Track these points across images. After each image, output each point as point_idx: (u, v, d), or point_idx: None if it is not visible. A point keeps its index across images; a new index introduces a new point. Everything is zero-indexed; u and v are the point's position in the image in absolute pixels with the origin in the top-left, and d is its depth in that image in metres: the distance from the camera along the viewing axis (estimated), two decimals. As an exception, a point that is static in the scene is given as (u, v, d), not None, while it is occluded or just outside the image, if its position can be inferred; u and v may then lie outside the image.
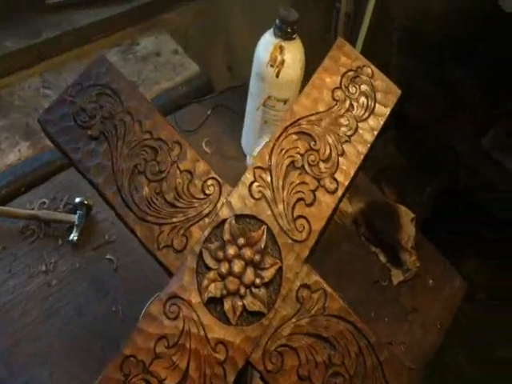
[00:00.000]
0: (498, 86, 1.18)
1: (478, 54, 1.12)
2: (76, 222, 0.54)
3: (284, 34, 0.53)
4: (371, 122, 0.36)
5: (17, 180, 0.58)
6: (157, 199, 0.31)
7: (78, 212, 0.55)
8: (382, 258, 0.69)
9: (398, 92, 0.37)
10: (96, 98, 0.32)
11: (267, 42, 0.54)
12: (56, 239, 0.55)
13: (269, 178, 0.33)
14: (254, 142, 0.64)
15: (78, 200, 0.56)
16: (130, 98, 0.33)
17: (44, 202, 0.56)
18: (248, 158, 0.60)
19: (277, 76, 0.54)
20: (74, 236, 0.53)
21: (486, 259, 1.32)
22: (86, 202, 0.55)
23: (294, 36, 0.53)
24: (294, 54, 0.54)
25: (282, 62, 0.54)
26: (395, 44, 1.06)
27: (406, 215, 0.70)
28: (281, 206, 0.32)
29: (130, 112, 0.32)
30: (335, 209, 0.34)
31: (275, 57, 0.53)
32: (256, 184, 0.32)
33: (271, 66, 0.54)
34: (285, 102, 0.59)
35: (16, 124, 0.62)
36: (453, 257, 0.78)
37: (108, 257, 0.55)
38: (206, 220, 0.31)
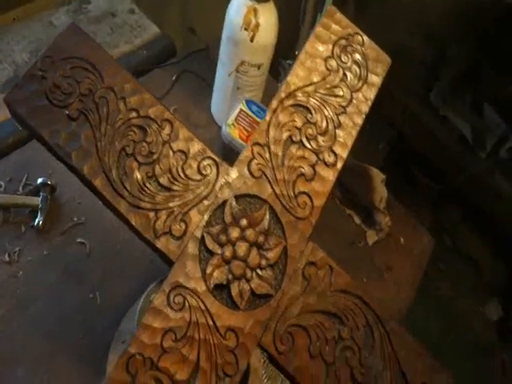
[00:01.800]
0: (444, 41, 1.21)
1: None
2: (39, 205, 0.47)
3: (257, -4, 0.49)
4: (365, 91, 0.34)
5: None
6: (150, 184, 0.28)
7: (40, 194, 0.49)
8: (357, 220, 0.70)
9: (389, 61, 0.36)
10: (71, 72, 0.28)
11: (240, 5, 0.50)
12: (18, 226, 0.49)
13: (267, 155, 0.31)
14: (225, 109, 0.60)
15: (40, 180, 0.49)
16: (111, 73, 0.29)
17: (0, 185, 0.50)
18: (223, 127, 0.57)
19: (251, 40, 0.51)
20: (38, 221, 0.47)
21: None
22: (49, 183, 0.49)
23: (268, -2, 0.50)
24: (268, 18, 0.51)
25: (257, 26, 0.50)
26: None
27: (377, 176, 0.70)
28: (282, 184, 0.31)
29: (113, 88, 0.28)
30: (335, 181, 0.33)
31: (249, 20, 0.50)
32: (255, 161, 0.30)
33: (245, 29, 0.50)
34: (259, 67, 0.56)
35: None
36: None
37: (79, 240, 0.50)
38: (205, 202, 0.29)
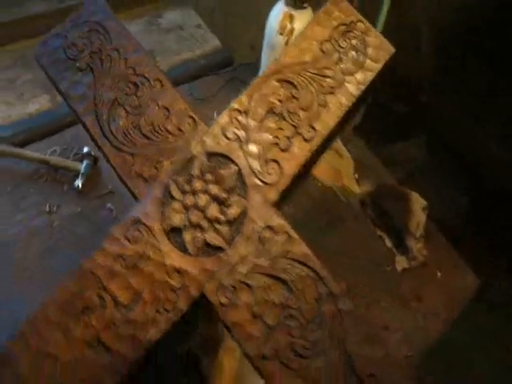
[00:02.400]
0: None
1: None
2: (82, 171, 0.57)
3: (294, 3, 0.53)
4: (359, 76, 0.35)
5: (34, 128, 0.63)
6: (133, 131, 0.32)
7: (84, 161, 0.59)
8: (388, 243, 0.67)
9: (392, 49, 0.36)
10: (87, 34, 0.34)
11: (278, 11, 0.54)
12: (62, 184, 0.59)
13: (245, 121, 0.33)
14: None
15: (85, 150, 0.60)
16: (119, 37, 0.34)
17: (55, 150, 0.61)
18: None
19: (286, 44, 0.54)
20: (78, 183, 0.56)
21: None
22: (92, 153, 0.59)
23: (305, 5, 0.53)
24: (304, 23, 0.54)
25: (292, 31, 0.54)
26: (425, 36, 1.01)
27: (417, 202, 0.67)
28: (254, 148, 0.32)
29: (118, 49, 0.34)
30: (311, 159, 0.34)
31: (285, 25, 0.53)
32: (231, 125, 0.33)
33: (280, 34, 0.54)
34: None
35: (39, 79, 0.67)
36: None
37: (109, 206, 0.58)
38: (179, 155, 0.32)
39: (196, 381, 0.39)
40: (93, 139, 0.32)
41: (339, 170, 0.70)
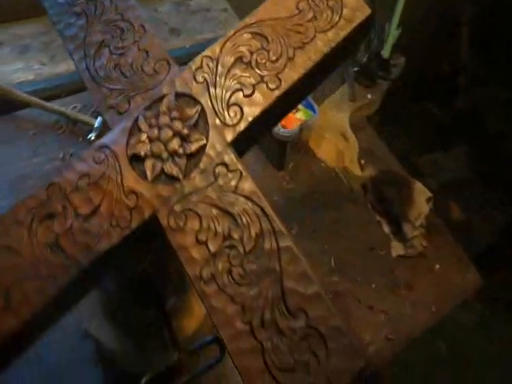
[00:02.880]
0: None
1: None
2: (95, 125, 0.63)
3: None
4: (330, 34, 0.37)
5: (60, 86, 0.76)
6: (114, 69, 0.36)
7: (99, 118, 0.64)
8: (386, 229, 0.67)
9: (368, 11, 0.38)
10: (87, -17, 0.38)
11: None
12: (78, 136, 0.69)
13: (214, 67, 0.36)
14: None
15: None
16: (114, -13, 0.38)
17: (76, 107, 0.72)
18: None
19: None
20: (91, 136, 0.62)
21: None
22: None
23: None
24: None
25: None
26: (465, 42, 1.00)
27: (422, 193, 0.67)
28: (219, 91, 0.35)
29: (111, -3, 0.38)
30: (276, 108, 0.36)
31: None
32: (201, 70, 0.36)
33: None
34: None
35: None
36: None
37: None
38: (150, 92, 0.35)
39: (159, 317, 0.42)
40: (78, 72, 0.36)
41: (343, 153, 0.70)
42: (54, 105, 0.68)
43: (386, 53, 0.82)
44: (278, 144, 0.74)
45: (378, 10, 0.79)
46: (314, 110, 0.72)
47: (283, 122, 0.65)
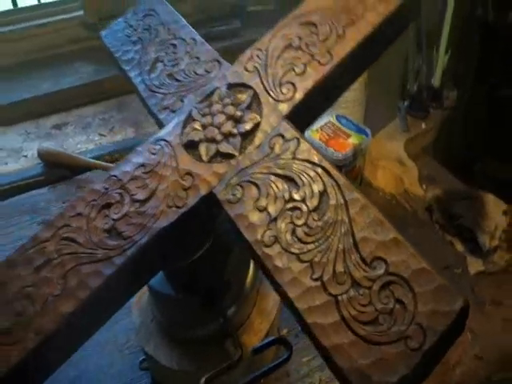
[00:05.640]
0: None
1: None
2: None
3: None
4: (380, 8, 0.52)
5: (117, 151, 1.20)
6: (167, 77, 0.54)
7: None
8: (459, 247, 0.76)
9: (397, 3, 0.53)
10: (142, 18, 0.60)
11: None
12: None
13: (264, 57, 0.52)
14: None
15: None
16: (167, 15, 0.59)
17: None
18: (306, 132, 0.80)
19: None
20: None
21: None
22: None
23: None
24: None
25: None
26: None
27: (496, 205, 0.78)
28: (270, 74, 0.51)
29: (163, 23, 0.58)
30: (331, 83, 0.50)
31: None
32: (251, 60, 0.52)
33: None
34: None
35: (127, 118, 1.34)
36: None
37: None
38: (202, 89, 0.52)
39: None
40: (135, 88, 0.55)
41: (401, 177, 0.83)
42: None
43: (436, 82, 1.00)
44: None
45: (424, 39, 0.97)
46: (366, 134, 0.94)
47: (336, 146, 0.82)
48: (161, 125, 0.53)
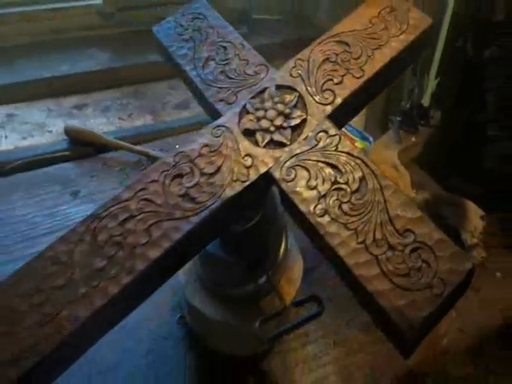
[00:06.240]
0: None
1: None
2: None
3: None
4: (402, 37, 0.69)
5: (139, 135, 1.42)
6: (220, 74, 0.68)
7: None
8: None
9: (430, 20, 0.71)
10: (191, 19, 0.73)
11: None
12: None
13: (306, 66, 0.67)
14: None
15: (177, 146, 1.08)
16: (214, 20, 0.73)
17: (154, 149, 1.33)
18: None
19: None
20: None
21: None
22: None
23: None
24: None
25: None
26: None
27: (475, 211, 1.06)
28: (312, 81, 0.66)
29: (212, 27, 0.72)
30: (363, 93, 0.66)
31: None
32: (295, 68, 0.67)
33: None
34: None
35: (144, 106, 1.56)
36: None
37: None
38: (253, 87, 0.66)
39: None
40: (189, 82, 0.68)
41: (397, 182, 1.05)
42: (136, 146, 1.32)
43: (425, 102, 1.24)
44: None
45: (420, 62, 1.20)
46: (369, 141, 1.21)
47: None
48: (215, 114, 0.67)
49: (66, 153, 1.32)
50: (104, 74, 1.60)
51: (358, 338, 0.96)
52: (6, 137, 1.39)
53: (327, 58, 0.68)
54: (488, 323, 0.99)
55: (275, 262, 0.77)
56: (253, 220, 0.67)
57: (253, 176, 0.60)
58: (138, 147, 1.33)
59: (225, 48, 0.71)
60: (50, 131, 1.42)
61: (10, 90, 1.50)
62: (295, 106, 0.65)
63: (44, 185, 1.22)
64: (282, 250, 0.78)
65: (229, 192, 0.59)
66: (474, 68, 1.14)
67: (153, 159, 1.29)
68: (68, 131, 1.36)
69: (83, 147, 1.34)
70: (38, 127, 1.43)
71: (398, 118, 1.22)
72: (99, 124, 1.47)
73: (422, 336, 0.52)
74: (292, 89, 0.66)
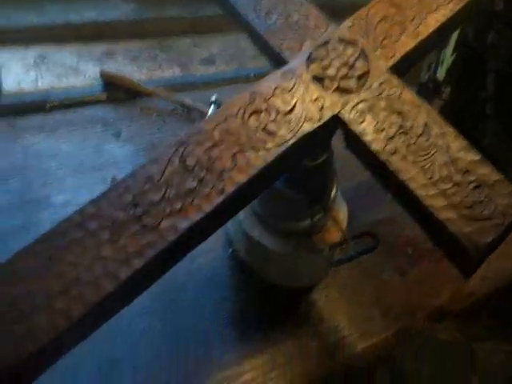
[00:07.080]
0: None
1: None
2: (208, 113, 1.18)
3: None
4: (450, 5, 0.82)
5: (173, 85, 1.60)
6: (283, 25, 0.79)
7: (211, 106, 1.19)
8: None
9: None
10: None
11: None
12: (193, 122, 1.40)
13: (364, 24, 0.79)
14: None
15: (213, 97, 1.26)
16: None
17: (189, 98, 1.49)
18: None
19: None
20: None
21: None
22: (217, 100, 1.26)
23: None
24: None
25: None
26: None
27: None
28: (371, 38, 0.78)
29: None
30: (419, 49, 0.79)
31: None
32: (353, 27, 0.79)
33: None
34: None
35: (173, 58, 1.73)
36: None
37: None
38: (317, 39, 0.78)
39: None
40: (251, 30, 0.79)
41: None
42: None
43: (440, 76, 1.38)
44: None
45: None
46: None
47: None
48: (281, 61, 0.77)
49: (103, 96, 1.47)
50: (129, 25, 1.75)
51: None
52: (42, 77, 1.51)
53: (383, 18, 0.81)
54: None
55: (328, 201, 0.89)
56: (321, 158, 0.79)
57: (325, 117, 0.71)
58: (174, 96, 1.48)
59: (284, 3, 0.82)
60: (84, 75, 1.55)
61: (39, 31, 1.61)
62: (358, 59, 0.77)
63: (86, 125, 1.38)
64: (333, 191, 0.90)
65: (305, 128, 0.70)
66: (473, 50, 1.30)
67: (188, 108, 1.45)
68: (104, 75, 1.49)
69: (118, 92, 1.48)
70: (71, 70, 1.56)
71: (416, 89, 1.36)
72: (130, 72, 1.61)
73: (483, 259, 0.64)
74: (353, 43, 0.78)
